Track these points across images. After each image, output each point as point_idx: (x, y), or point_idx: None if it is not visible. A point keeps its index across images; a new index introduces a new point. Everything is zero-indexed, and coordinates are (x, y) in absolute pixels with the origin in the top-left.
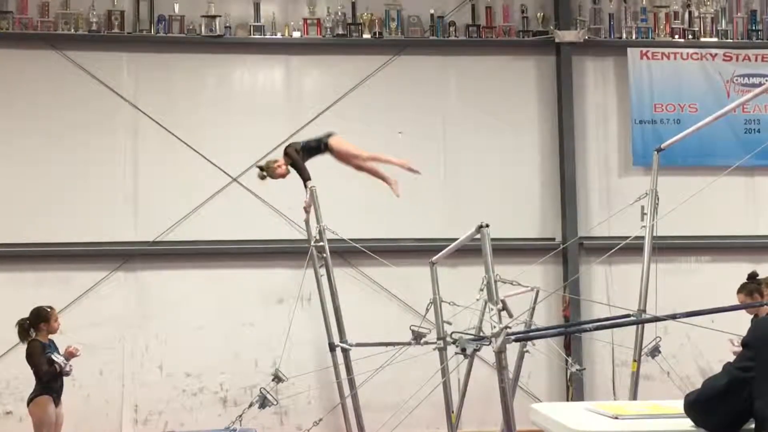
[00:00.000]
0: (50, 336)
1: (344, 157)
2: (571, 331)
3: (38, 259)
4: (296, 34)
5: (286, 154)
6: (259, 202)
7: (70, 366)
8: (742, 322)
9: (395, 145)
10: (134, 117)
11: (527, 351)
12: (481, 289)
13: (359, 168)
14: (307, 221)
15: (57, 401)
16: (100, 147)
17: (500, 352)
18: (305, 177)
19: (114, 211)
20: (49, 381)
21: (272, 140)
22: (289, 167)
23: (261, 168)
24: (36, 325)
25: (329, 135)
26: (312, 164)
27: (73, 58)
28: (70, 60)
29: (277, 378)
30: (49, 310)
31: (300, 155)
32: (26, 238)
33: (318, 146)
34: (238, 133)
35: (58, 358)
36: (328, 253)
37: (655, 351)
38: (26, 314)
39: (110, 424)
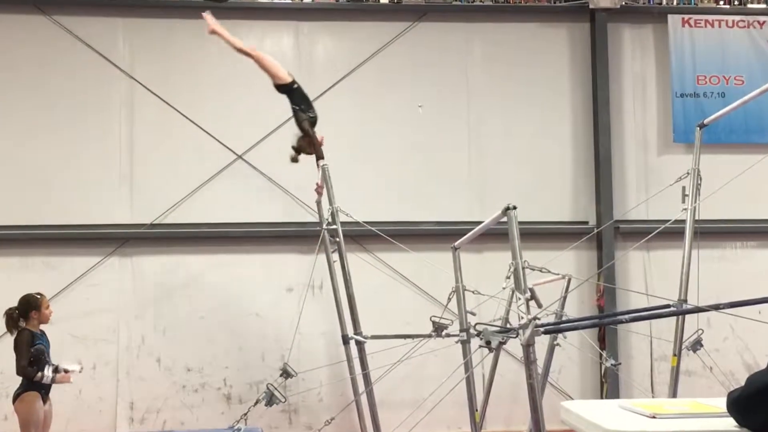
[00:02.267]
0: (42, 326)
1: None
2: (605, 323)
3: (24, 243)
4: None
5: (304, 130)
6: (266, 181)
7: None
8: None
9: (415, 119)
10: (130, 88)
11: (558, 344)
12: (508, 277)
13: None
14: (318, 202)
15: (45, 398)
16: (92, 121)
17: (528, 345)
18: (320, 154)
19: (108, 191)
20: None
21: (280, 114)
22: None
23: (295, 149)
24: (26, 313)
25: (275, 85)
26: (327, 138)
27: (63, 23)
28: (59, 25)
29: (286, 373)
30: (39, 297)
31: (308, 119)
32: (11, 220)
33: (290, 91)
34: (244, 107)
35: (43, 371)
36: (342, 237)
37: (696, 344)
38: (11, 303)
39: (103, 422)
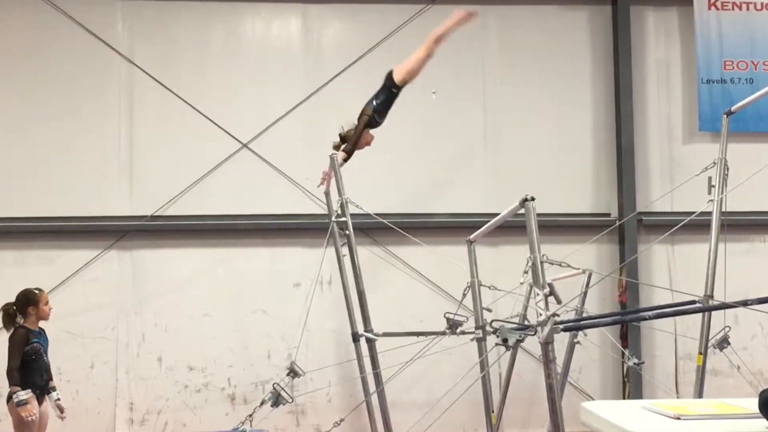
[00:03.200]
0: (41, 323)
1: (416, 73)
2: (628, 320)
3: (18, 236)
4: None
5: (361, 122)
6: (272, 171)
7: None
8: None
9: (428, 106)
10: (129, 73)
11: (578, 342)
12: (526, 272)
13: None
14: (327, 193)
15: (41, 398)
16: (90, 108)
17: (547, 344)
18: (350, 151)
19: (106, 182)
20: (32, 375)
21: (287, 101)
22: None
23: (341, 137)
24: (24, 309)
25: (389, 74)
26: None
27: (58, 5)
28: (53, 6)
29: (293, 372)
30: (38, 292)
31: (371, 119)
32: (4, 212)
33: (389, 94)
34: (249, 93)
35: (21, 396)
36: (351, 230)
37: (723, 342)
38: (4, 300)
39: (102, 424)
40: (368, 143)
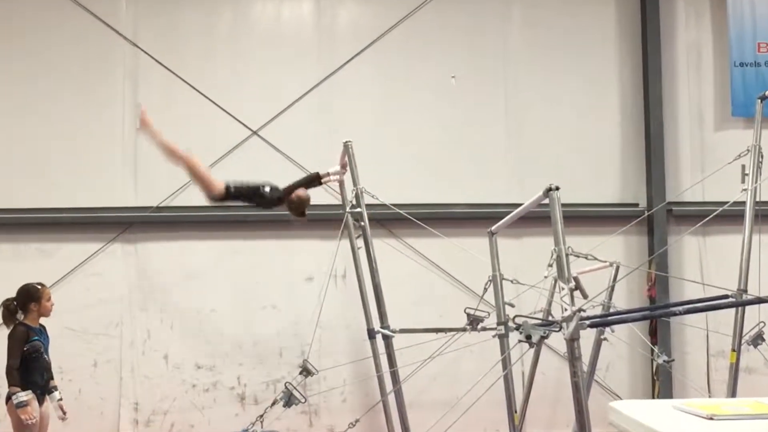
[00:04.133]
0: (42, 320)
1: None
2: (657, 315)
3: (17, 228)
4: None
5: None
6: (283, 159)
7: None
8: None
9: (448, 91)
10: (134, 58)
11: (605, 338)
12: (550, 265)
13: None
14: (341, 183)
15: (41, 398)
16: (92, 94)
17: (573, 340)
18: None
19: (109, 171)
20: (32, 374)
21: (299, 86)
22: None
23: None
24: (24, 306)
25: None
26: (350, 113)
27: None
28: None
29: (306, 371)
30: (39, 287)
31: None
32: (2, 203)
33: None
34: (259, 78)
35: (21, 397)
36: (367, 222)
37: (757, 339)
38: (2, 294)
39: (105, 424)
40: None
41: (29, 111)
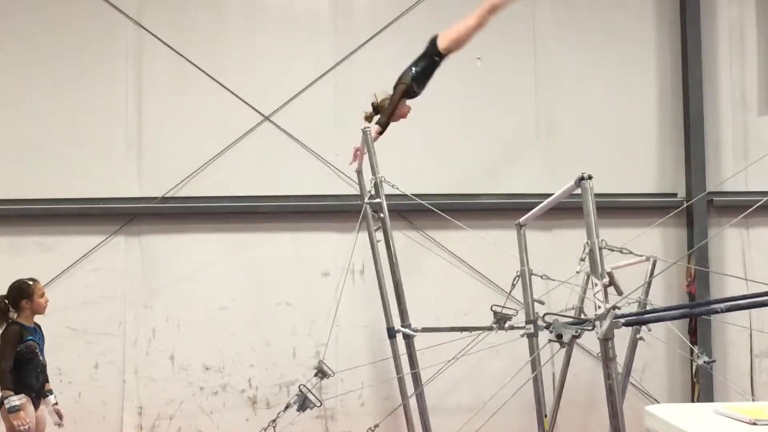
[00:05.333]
0: (36, 318)
1: (463, 42)
2: (697, 313)
3: (14, 220)
4: None
5: (400, 89)
6: (298, 147)
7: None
8: None
9: (473, 74)
10: (138, 38)
11: (641, 338)
12: (583, 259)
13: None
14: (359, 172)
15: (36, 403)
16: (93, 77)
17: (606, 340)
18: (384, 123)
19: (112, 159)
20: (26, 376)
21: (314, 69)
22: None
23: (374, 106)
24: (16, 303)
25: (433, 40)
26: (369, 97)
27: None
28: None
29: (321, 372)
30: (32, 283)
31: (408, 88)
32: (0, 194)
33: (431, 62)
34: (272, 60)
35: (13, 401)
36: (387, 213)
37: None
38: (1, 290)
39: (107, 430)
40: (404, 115)
41: (25, 95)
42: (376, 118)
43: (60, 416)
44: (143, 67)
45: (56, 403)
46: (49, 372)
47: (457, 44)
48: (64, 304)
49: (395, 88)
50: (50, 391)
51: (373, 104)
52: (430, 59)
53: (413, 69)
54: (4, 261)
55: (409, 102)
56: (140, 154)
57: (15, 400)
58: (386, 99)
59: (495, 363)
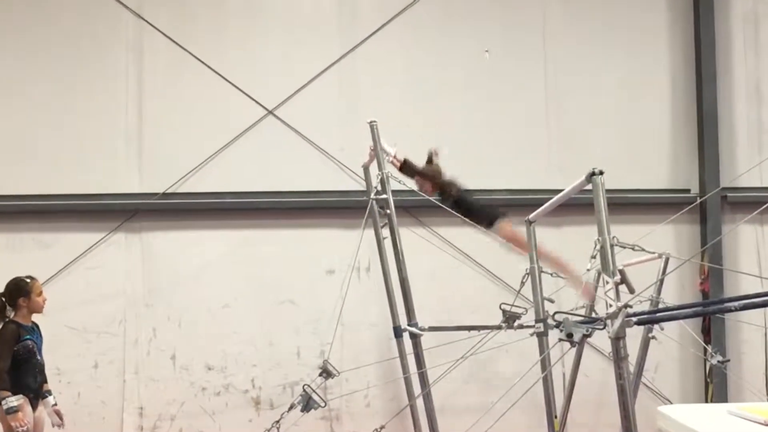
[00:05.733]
0: (34, 317)
1: (512, 243)
2: (711, 311)
3: (11, 216)
4: None
5: (447, 185)
6: (302, 141)
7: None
8: None
9: (481, 67)
10: (138, 30)
11: (653, 337)
12: (594, 256)
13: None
14: (366, 167)
15: (35, 403)
16: (93, 70)
17: (618, 339)
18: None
19: (112, 155)
20: (23, 377)
21: (318, 61)
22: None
23: (404, 164)
24: (14, 301)
25: (492, 218)
26: (375, 91)
27: None
28: None
29: (326, 372)
30: (29, 281)
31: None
32: None
33: (473, 217)
34: (275, 53)
35: (11, 402)
36: (393, 209)
37: None
38: None
39: (107, 431)
40: (427, 192)
41: (23, 88)
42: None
43: (60, 417)
44: (144, 59)
45: (55, 404)
46: (48, 372)
47: (508, 241)
48: (63, 302)
49: (443, 181)
50: (49, 392)
51: (429, 156)
52: (477, 218)
53: (466, 196)
54: (1, 258)
55: (419, 92)
56: (141, 148)
57: (13, 401)
58: (436, 168)
59: (504, 363)
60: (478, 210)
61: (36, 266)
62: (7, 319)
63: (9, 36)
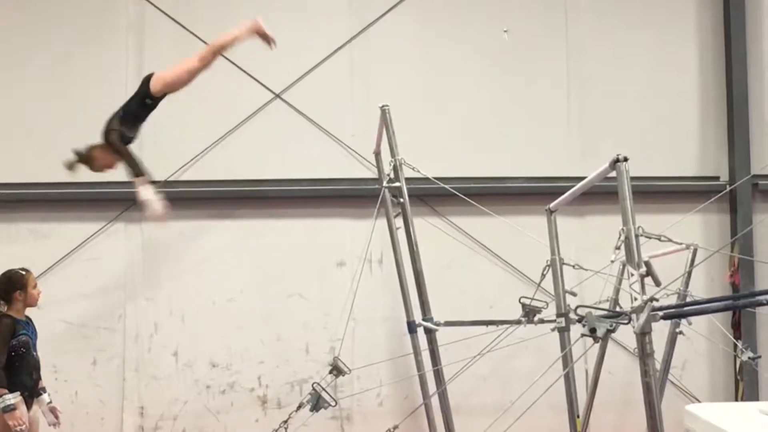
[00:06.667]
0: (27, 311)
1: (183, 85)
2: (741, 305)
3: (6, 206)
4: None
5: (107, 141)
6: (311, 127)
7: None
8: None
9: (500, 48)
10: (140, 10)
11: (681, 332)
12: (618, 247)
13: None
14: (377, 153)
15: (29, 402)
16: (92, 52)
17: (644, 334)
18: (137, 171)
19: None
20: (19, 374)
21: (328, 43)
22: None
23: (78, 155)
24: (8, 295)
25: (147, 79)
26: (387, 74)
27: None
28: None
29: (337, 369)
30: (24, 273)
31: (121, 134)
32: None
33: (142, 105)
34: (282, 34)
35: (8, 400)
36: (407, 198)
37: None
38: None
39: (106, 431)
40: (110, 167)
41: (19, 72)
42: (80, 166)
43: (56, 415)
44: (145, 40)
45: (50, 402)
46: (44, 369)
47: (173, 87)
48: (59, 295)
49: (106, 135)
50: (43, 389)
51: (77, 153)
52: (141, 102)
53: (121, 112)
54: None
55: (434, 74)
56: (141, 134)
57: (10, 398)
58: (94, 147)
59: (523, 359)
60: (134, 107)
61: (32, 258)
62: (1, 314)
63: (4, 18)
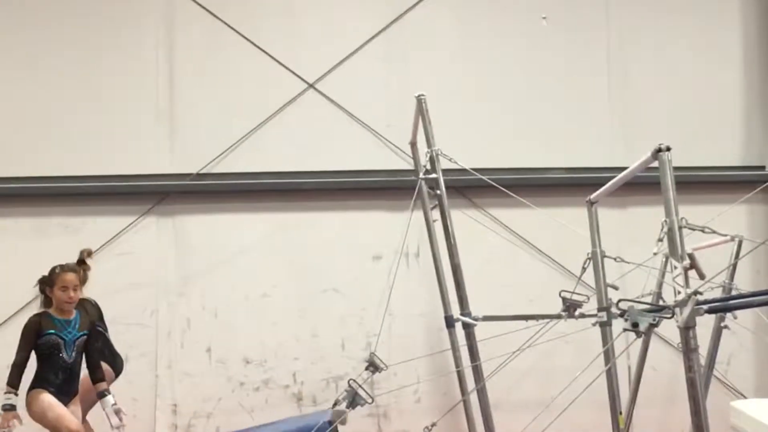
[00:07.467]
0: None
1: None
2: None
3: (37, 200)
4: None
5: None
6: (345, 117)
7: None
8: None
9: (538, 35)
10: (171, 0)
11: (726, 326)
12: (660, 239)
13: None
14: (413, 144)
15: (61, 398)
16: (121, 44)
17: (688, 329)
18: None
19: (143, 133)
20: (45, 371)
21: (362, 32)
22: None
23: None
24: (43, 291)
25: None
26: (423, 62)
27: None
28: None
29: (373, 366)
30: (58, 271)
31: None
32: (20, 171)
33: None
34: (316, 22)
35: (8, 400)
36: (444, 190)
37: None
38: (20, 278)
39: (139, 429)
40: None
41: (47, 64)
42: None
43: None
44: (175, 30)
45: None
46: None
47: None
48: (90, 291)
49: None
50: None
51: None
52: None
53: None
54: (26, 244)
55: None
56: (172, 126)
57: (11, 399)
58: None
59: (564, 354)
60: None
61: (62, 252)
62: (41, 311)
63: (32, 10)
